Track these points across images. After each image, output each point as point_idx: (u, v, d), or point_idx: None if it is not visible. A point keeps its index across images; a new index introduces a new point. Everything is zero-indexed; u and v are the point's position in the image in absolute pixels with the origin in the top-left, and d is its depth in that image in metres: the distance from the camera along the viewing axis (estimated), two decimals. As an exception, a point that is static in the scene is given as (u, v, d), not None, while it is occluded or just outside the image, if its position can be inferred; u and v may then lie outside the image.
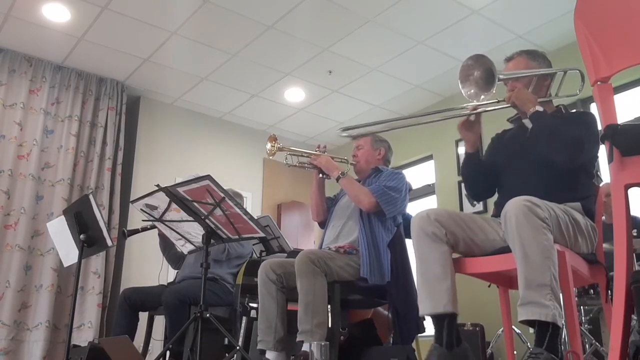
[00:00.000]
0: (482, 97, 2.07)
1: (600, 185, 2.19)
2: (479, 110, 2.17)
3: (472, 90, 2.09)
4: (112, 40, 4.79)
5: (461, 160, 5.16)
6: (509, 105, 2.12)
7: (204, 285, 2.56)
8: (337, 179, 2.85)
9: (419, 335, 2.81)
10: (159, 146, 5.73)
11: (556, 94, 2.22)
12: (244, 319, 3.27)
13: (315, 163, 2.93)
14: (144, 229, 3.53)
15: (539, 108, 2.04)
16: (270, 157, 2.92)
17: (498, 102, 2.16)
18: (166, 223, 2.66)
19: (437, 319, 1.88)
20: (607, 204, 2.49)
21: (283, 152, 2.91)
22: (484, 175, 2.30)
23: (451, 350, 1.83)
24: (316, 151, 2.98)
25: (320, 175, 2.98)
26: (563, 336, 2.56)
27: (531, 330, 1.75)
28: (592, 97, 1.92)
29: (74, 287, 3.30)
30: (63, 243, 3.17)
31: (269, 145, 2.86)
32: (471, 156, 2.29)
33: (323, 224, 3.08)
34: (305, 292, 2.48)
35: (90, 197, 3.00)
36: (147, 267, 4.79)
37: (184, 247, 2.80)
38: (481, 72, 2.06)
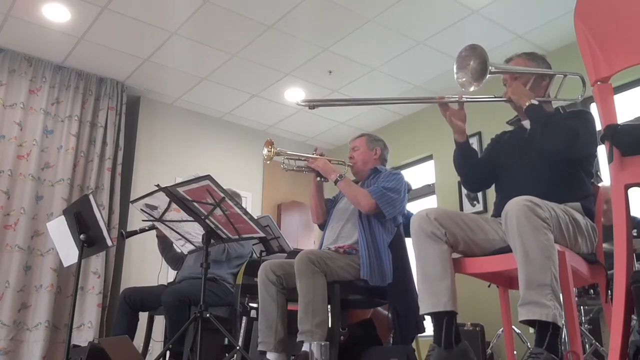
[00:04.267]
0: (473, 87, 2.08)
1: (600, 185, 2.18)
2: (466, 100, 2.17)
3: (464, 79, 2.10)
4: (112, 40, 4.79)
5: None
6: (505, 99, 2.15)
7: (204, 285, 2.56)
8: (335, 182, 2.84)
9: (419, 335, 2.81)
10: (159, 146, 5.73)
11: (556, 95, 2.23)
12: (244, 319, 3.28)
13: (312, 166, 2.92)
14: (142, 230, 3.52)
15: (535, 102, 2.06)
16: (268, 162, 2.92)
17: (495, 97, 2.20)
18: (166, 223, 2.66)
19: (437, 318, 1.88)
20: (607, 210, 2.48)
21: (280, 156, 2.90)
22: (477, 167, 2.31)
23: (450, 350, 1.83)
24: (313, 154, 2.98)
25: (318, 178, 2.98)
26: (563, 336, 2.56)
27: (531, 330, 1.76)
28: (592, 97, 1.91)
29: (73, 287, 3.30)
30: (63, 243, 3.17)
31: (265, 151, 2.86)
32: (462, 145, 2.27)
33: (323, 226, 3.08)
34: (305, 292, 2.47)
35: (90, 197, 2.99)
36: (147, 267, 4.79)
37: (184, 247, 2.80)
38: (477, 63, 2.07)
